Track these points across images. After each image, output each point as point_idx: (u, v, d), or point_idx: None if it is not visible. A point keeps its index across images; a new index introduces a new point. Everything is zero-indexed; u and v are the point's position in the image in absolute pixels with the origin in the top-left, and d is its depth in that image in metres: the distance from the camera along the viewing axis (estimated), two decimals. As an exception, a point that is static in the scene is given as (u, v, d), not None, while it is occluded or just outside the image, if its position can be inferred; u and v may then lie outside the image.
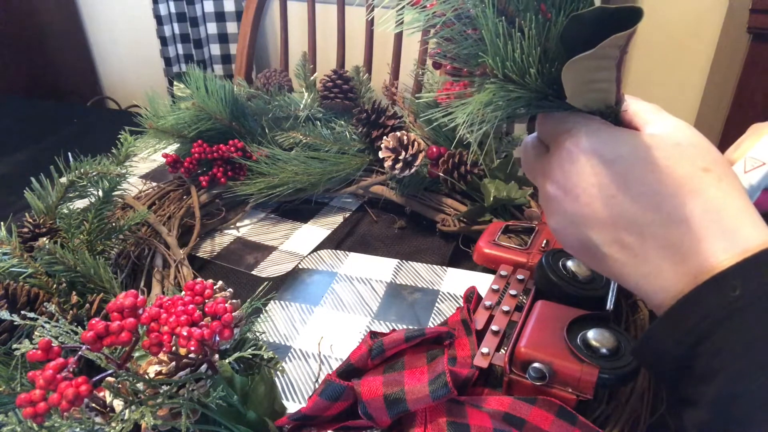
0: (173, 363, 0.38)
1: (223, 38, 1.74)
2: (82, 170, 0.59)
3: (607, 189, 0.32)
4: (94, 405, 0.38)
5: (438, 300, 0.61)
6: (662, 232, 0.31)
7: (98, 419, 0.37)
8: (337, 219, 0.79)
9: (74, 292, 0.51)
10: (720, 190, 0.31)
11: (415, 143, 0.72)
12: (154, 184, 0.83)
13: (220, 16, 1.71)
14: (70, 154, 0.61)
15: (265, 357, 0.43)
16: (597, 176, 0.33)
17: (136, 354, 0.41)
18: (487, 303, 0.51)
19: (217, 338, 0.35)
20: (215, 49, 1.76)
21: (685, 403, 0.31)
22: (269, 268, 0.69)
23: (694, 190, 0.31)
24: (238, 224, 0.78)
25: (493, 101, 0.33)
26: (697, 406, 0.30)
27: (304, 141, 0.80)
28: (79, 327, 0.40)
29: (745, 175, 0.40)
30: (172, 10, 1.72)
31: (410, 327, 0.56)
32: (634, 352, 0.35)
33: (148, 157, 0.83)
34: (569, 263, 0.51)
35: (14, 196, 0.83)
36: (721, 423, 0.29)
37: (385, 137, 0.74)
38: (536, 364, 0.41)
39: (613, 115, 0.35)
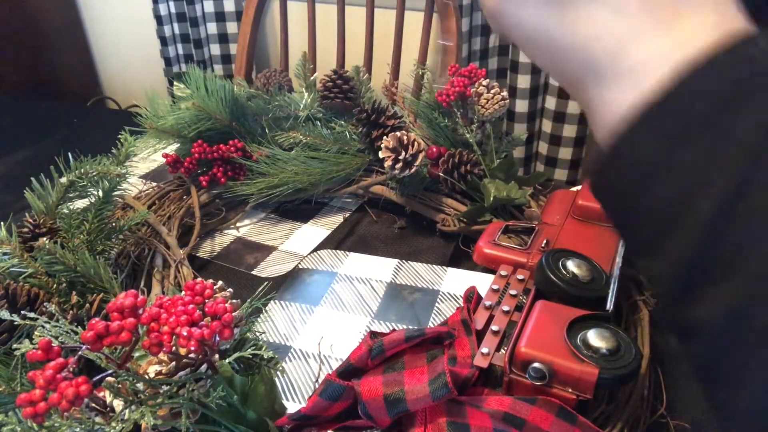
0: (173, 363, 0.38)
1: (223, 38, 1.74)
2: (82, 170, 0.59)
3: None
4: (94, 405, 0.38)
5: (438, 300, 0.61)
6: None
7: (98, 419, 0.37)
8: (337, 219, 0.79)
9: (74, 292, 0.51)
10: None
11: (415, 143, 0.72)
12: (154, 184, 0.83)
13: (220, 16, 1.71)
14: (70, 154, 0.61)
15: (265, 357, 0.43)
16: None
17: (136, 354, 0.41)
18: (487, 303, 0.51)
19: (217, 338, 0.35)
20: (215, 49, 1.76)
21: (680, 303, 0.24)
22: (269, 268, 0.69)
23: None
24: (238, 224, 0.78)
25: None
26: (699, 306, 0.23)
27: (304, 141, 0.80)
28: (79, 327, 0.40)
29: None
30: (172, 10, 1.71)
31: (410, 327, 0.56)
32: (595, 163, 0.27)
33: (148, 157, 0.83)
34: (569, 263, 0.51)
35: (14, 196, 0.83)
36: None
37: (385, 137, 0.74)
38: (536, 364, 0.41)
39: None
